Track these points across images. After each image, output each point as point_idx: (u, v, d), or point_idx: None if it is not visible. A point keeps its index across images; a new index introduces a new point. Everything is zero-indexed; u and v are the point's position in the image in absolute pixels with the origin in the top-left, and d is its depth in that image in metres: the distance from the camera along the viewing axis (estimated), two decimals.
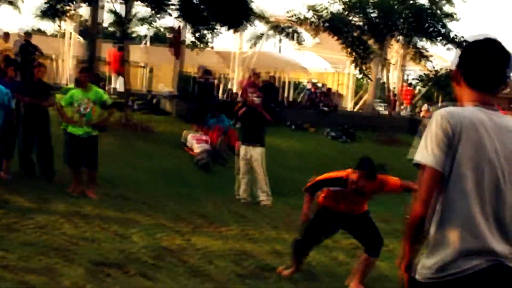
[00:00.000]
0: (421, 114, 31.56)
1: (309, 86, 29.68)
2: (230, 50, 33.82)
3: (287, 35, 53.16)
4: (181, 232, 9.00)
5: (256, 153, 12.35)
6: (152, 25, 21.83)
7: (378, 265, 7.92)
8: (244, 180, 12.43)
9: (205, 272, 6.98)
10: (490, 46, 2.98)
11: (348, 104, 35.95)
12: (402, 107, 30.38)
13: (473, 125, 2.86)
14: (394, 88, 30.05)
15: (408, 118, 27.06)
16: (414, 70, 38.35)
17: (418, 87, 38.98)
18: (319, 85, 37.28)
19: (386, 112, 25.92)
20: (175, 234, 8.76)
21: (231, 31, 21.54)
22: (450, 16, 21.24)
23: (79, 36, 28.96)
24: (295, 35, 51.14)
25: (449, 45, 21.32)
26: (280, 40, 53.17)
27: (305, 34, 30.47)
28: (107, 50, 23.87)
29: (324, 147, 18.83)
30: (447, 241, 2.86)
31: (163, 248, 7.90)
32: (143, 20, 20.20)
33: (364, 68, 21.81)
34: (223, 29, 19.90)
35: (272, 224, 10.42)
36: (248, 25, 19.83)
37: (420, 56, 22.28)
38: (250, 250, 8.18)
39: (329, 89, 27.49)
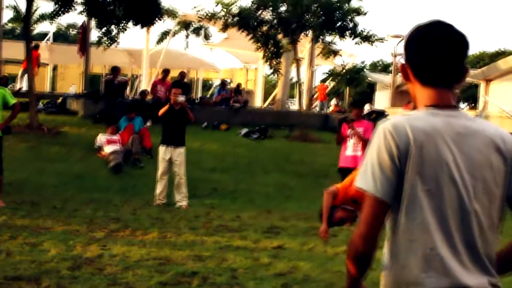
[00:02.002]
0: (330, 109, 32.03)
1: (218, 83, 29.55)
2: (138, 47, 33.33)
3: (194, 31, 52.96)
4: (96, 238, 8.66)
5: (178, 154, 12.09)
6: (55, 21, 21.09)
7: (300, 266, 7.83)
8: (162, 181, 12.13)
9: (124, 281, 6.66)
10: (438, 30, 2.41)
11: (258, 101, 36.09)
12: (312, 101, 30.66)
13: (426, 137, 2.29)
14: (302, 83, 30.30)
15: (319, 114, 27.29)
16: (320, 66, 38.88)
17: (327, 83, 39.48)
18: (228, 81, 37.34)
19: (297, 108, 26.04)
20: (90, 241, 8.40)
21: (138, 28, 21.05)
22: (358, 10, 21.43)
23: None
24: (202, 30, 51.03)
25: (357, 40, 21.50)
26: (187, 36, 52.96)
27: (214, 31, 30.31)
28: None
29: (237, 145, 18.69)
30: (409, 284, 2.32)
31: (78, 256, 7.53)
32: (45, 17, 19.47)
33: (274, 64, 21.79)
34: (131, 26, 19.37)
35: (190, 226, 10.19)
36: (158, 21, 19.39)
37: (330, 51, 22.42)
38: (169, 255, 7.92)
39: (239, 85, 27.37)
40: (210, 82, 54.73)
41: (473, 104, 55.57)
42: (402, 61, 2.54)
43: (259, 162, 17.08)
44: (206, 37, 50.43)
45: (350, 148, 11.24)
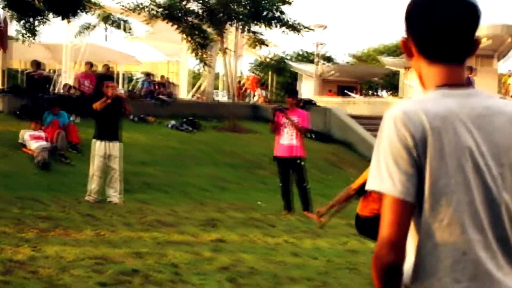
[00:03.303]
0: (255, 99, 31.98)
1: (140, 76, 29.19)
2: (59, 42, 32.42)
3: (114, 24, 51.85)
4: (26, 239, 8.19)
5: (116, 149, 11.69)
6: None
7: (243, 258, 7.66)
8: (98, 178, 11.67)
9: (61, 283, 6.32)
10: None
11: (182, 93, 35.79)
12: (244, 92, 30.61)
13: (443, 122, 1.97)
14: (230, 74, 30.15)
15: (248, 104, 27.22)
16: (243, 56, 38.82)
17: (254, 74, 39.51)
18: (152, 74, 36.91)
19: (226, 100, 25.89)
20: (20, 242, 7.94)
21: (58, 21, 20.48)
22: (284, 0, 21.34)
23: None
24: (124, 24, 50.07)
25: (285, 29, 21.38)
26: (106, 29, 51.88)
27: (137, 24, 29.79)
28: None
29: (167, 137, 18.38)
30: None
31: (8, 259, 7.09)
32: None
33: (203, 56, 21.51)
34: (52, 18, 18.76)
35: (124, 222, 9.84)
36: (82, 14, 18.84)
37: (257, 41, 22.23)
38: (106, 254, 7.58)
39: (166, 78, 27.10)
40: (131, 75, 53.91)
41: (391, 92, 56.87)
42: (404, 34, 2.18)
43: (190, 154, 16.82)
44: (127, 30, 49.51)
45: (285, 137, 11.12)
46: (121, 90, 11.85)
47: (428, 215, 1.98)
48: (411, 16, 2.13)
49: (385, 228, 1.97)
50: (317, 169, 16.25)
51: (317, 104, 24.44)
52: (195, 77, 46.15)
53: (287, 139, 11.11)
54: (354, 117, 21.83)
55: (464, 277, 1.96)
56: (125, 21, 45.55)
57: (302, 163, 11.23)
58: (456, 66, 2.09)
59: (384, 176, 1.97)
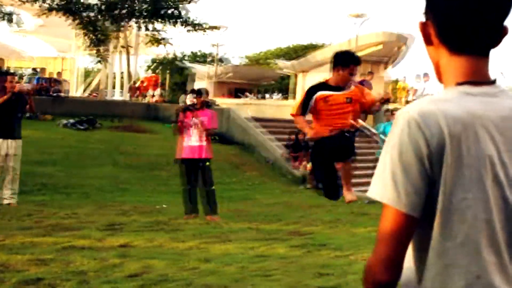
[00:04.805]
0: (155, 100, 31.51)
1: (31, 72, 28.22)
2: None
3: (4, 17, 49.84)
4: None
5: (16, 147, 11.05)
6: None
7: (153, 265, 7.34)
8: None
9: None
10: None
11: (75, 90, 34.85)
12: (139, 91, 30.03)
13: (464, 128, 1.71)
14: (123, 72, 29.50)
15: (146, 104, 26.77)
16: (140, 55, 38.25)
17: (150, 72, 38.82)
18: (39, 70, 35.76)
19: (122, 98, 25.30)
20: None
21: None
22: None
23: None
24: (14, 17, 48.18)
25: (190, 28, 21.10)
26: None
27: (26, 17, 28.79)
28: None
29: (64, 136, 17.75)
30: None
31: None
32: None
33: (101, 52, 20.91)
34: None
35: (23, 226, 9.29)
36: None
37: (156, 40, 21.81)
38: (7, 261, 7.08)
39: (59, 74, 26.21)
40: (21, 71, 52.05)
41: (285, 95, 57.73)
42: (422, 18, 1.87)
43: (88, 154, 16.28)
44: (18, 23, 47.77)
45: (195, 138, 10.82)
46: (27, 85, 11.29)
47: (439, 232, 1.74)
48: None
49: (382, 243, 1.74)
50: (220, 171, 16.06)
51: (218, 105, 24.27)
52: (88, 74, 45.05)
53: (196, 140, 10.82)
54: (254, 119, 21.81)
55: None
56: (17, 14, 43.78)
57: (209, 164, 11.01)
58: (481, 59, 1.81)
59: (389, 186, 1.72)
